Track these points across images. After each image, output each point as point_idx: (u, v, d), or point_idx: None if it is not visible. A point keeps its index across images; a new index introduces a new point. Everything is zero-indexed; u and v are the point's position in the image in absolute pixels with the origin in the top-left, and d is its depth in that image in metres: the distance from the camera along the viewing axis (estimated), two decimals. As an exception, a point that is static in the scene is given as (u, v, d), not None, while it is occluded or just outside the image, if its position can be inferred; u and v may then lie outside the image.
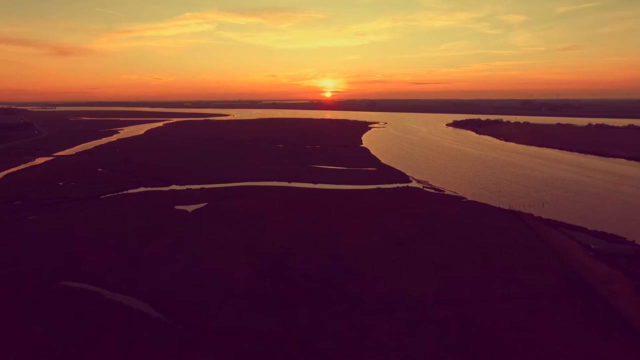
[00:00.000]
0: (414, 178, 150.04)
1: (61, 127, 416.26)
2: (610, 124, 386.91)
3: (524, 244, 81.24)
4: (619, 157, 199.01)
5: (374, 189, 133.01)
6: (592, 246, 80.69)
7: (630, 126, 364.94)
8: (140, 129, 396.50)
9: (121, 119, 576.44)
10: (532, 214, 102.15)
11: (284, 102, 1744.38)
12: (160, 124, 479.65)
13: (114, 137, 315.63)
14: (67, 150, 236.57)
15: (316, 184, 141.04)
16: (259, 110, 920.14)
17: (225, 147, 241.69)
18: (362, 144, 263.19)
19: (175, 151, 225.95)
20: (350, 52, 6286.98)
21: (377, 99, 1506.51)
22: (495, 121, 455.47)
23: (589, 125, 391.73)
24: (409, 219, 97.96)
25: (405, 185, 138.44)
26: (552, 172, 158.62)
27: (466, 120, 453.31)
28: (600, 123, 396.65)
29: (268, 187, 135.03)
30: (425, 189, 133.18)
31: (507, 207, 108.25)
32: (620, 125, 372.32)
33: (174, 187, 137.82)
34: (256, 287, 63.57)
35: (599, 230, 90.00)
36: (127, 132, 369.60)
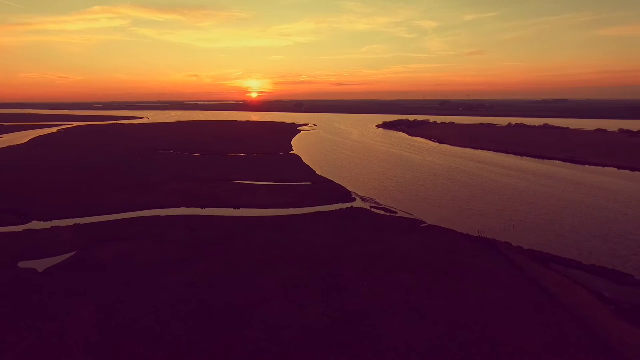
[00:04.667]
0: (357, 195, 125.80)
1: None
2: (528, 124, 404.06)
3: (523, 298, 59.38)
4: (555, 160, 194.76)
5: (311, 213, 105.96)
6: (605, 294, 61.36)
7: (546, 125, 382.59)
8: (25, 137, 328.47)
9: (6, 124, 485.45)
10: (510, 244, 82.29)
11: (207, 103, 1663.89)
12: (55, 129, 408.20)
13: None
14: None
15: (238, 208, 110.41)
16: (179, 112, 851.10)
17: (127, 159, 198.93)
18: (293, 150, 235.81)
19: (57, 166, 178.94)
20: (275, 53, 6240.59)
21: (303, 99, 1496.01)
22: (423, 122, 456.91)
23: (510, 125, 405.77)
24: (361, 264, 72.15)
25: (348, 205, 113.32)
26: (504, 181, 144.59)
27: (395, 121, 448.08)
28: (519, 123, 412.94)
29: (173, 219, 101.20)
30: (373, 210, 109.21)
31: (477, 234, 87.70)
32: (537, 125, 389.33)
33: (34, 224, 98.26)
34: None
35: (597, 266, 71.87)
36: (5, 140, 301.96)
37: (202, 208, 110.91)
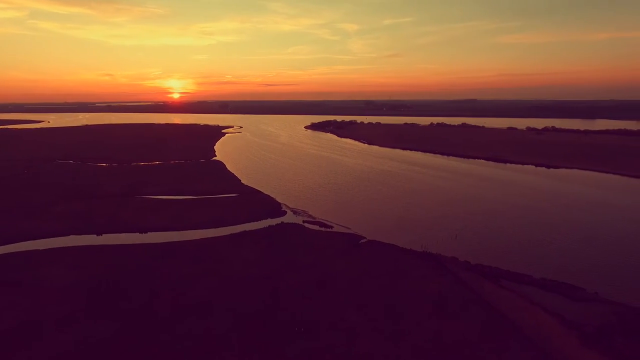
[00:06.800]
0: (287, 207, 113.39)
1: None
2: (448, 123, 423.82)
3: (486, 332, 51.48)
4: (477, 158, 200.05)
5: (236, 233, 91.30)
6: (565, 316, 55.84)
7: (464, 124, 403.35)
8: None
9: None
10: (456, 259, 75.71)
11: (122, 104, 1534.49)
12: None
13: None
14: None
15: (146, 233, 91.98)
16: (88, 115, 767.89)
17: (9, 173, 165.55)
18: (216, 155, 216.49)
19: None
20: (197, 52, 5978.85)
21: (228, 100, 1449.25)
22: (351, 122, 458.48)
23: (432, 124, 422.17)
24: (297, 300, 59.89)
25: (278, 221, 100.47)
26: (437, 183, 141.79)
27: (323, 122, 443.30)
28: (440, 122, 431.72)
29: (55, 254, 79.91)
30: (306, 225, 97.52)
31: (420, 249, 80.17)
32: (456, 124, 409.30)
33: None
34: None
35: (547, 279, 67.39)
36: None
37: (98, 235, 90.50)
